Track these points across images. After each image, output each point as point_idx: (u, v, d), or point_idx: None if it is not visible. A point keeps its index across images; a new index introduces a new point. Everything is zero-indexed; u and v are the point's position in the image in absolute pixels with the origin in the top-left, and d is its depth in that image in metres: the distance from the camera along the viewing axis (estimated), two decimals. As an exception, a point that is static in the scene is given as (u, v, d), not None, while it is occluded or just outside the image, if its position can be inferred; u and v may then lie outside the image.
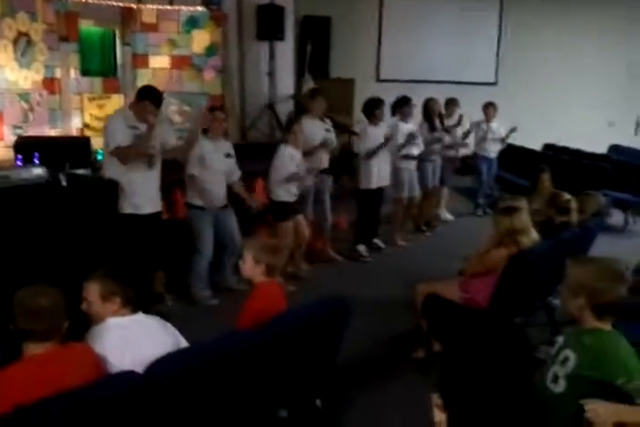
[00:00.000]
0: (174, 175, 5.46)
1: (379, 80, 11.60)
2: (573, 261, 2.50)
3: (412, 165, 7.27)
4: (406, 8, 11.40)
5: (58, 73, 8.00)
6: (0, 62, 7.19)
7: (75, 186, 4.49)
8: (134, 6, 8.65)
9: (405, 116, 7.10)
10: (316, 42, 10.54)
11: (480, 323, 4.07)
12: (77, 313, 2.72)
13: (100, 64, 8.62)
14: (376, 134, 6.60)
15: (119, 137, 4.69)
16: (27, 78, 7.59)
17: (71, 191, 4.39)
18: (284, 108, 9.54)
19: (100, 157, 5.85)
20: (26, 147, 6.14)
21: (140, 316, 2.80)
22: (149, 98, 4.75)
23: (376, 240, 7.14)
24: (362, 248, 6.89)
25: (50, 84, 7.90)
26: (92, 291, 2.71)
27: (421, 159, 7.46)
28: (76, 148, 6.80)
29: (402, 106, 7.10)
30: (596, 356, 2.34)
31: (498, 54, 11.95)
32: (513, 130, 8.58)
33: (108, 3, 8.44)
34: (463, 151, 8.58)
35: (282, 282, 4.97)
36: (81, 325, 2.73)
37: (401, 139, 6.98)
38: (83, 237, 4.33)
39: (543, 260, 4.02)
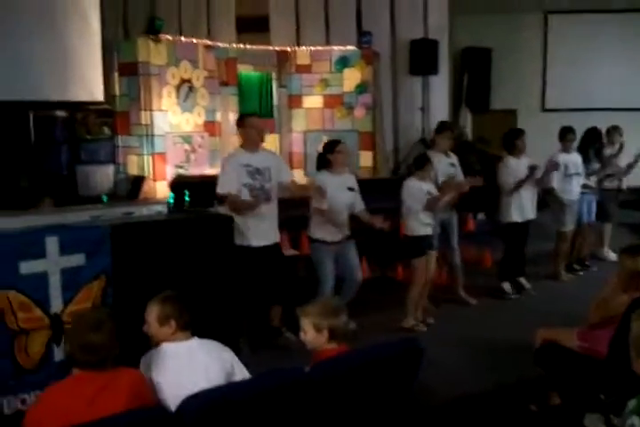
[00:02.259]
0: (298, 212, 5.55)
1: (544, 110, 11.05)
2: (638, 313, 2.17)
3: (574, 197, 7.04)
4: (573, 32, 10.76)
5: (218, 116, 8.56)
6: (164, 107, 7.84)
7: (192, 222, 4.72)
8: (289, 49, 9.06)
9: (565, 147, 7.03)
10: (475, 74, 10.33)
11: (599, 375, 3.66)
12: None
13: (257, 106, 9.08)
14: (518, 166, 6.44)
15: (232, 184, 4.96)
16: (189, 121, 8.21)
17: (186, 227, 4.60)
18: (438, 143, 9.40)
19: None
20: (179, 185, 6.62)
21: (195, 342, 2.87)
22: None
23: (522, 279, 6.79)
24: (507, 286, 6.63)
25: (210, 126, 8.47)
26: (152, 313, 2.83)
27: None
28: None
29: (562, 137, 7.06)
30: (659, 426, 2.00)
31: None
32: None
33: (265, 48, 8.92)
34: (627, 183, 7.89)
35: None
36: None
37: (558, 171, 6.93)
38: (196, 271, 4.50)
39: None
